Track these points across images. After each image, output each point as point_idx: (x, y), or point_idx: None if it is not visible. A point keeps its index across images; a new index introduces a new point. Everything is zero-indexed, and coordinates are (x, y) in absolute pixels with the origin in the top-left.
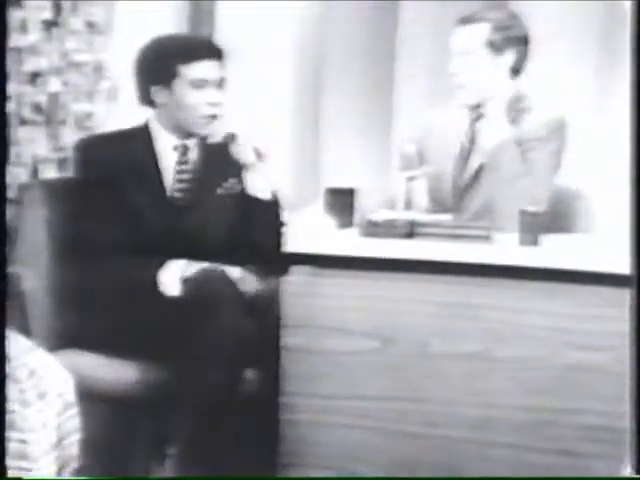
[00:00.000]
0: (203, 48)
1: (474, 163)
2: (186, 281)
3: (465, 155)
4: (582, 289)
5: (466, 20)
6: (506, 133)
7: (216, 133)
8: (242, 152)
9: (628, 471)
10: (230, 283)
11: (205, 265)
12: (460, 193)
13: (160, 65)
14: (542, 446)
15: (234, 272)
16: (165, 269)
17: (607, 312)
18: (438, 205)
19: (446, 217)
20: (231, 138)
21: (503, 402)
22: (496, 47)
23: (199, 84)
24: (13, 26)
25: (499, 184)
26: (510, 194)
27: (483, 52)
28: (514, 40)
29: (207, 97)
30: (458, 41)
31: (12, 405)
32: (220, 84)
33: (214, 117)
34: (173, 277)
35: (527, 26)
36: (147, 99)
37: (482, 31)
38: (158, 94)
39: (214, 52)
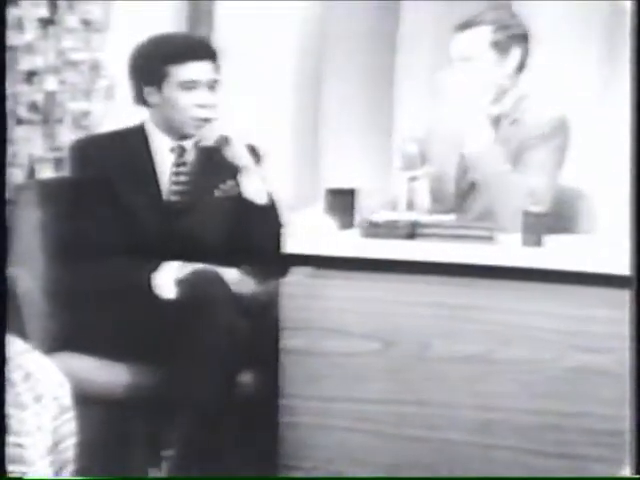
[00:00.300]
0: (193, 49)
1: None
2: (179, 283)
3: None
4: (586, 290)
5: (466, 25)
6: (489, 136)
7: (209, 136)
8: (237, 155)
9: (627, 471)
10: (222, 284)
11: (198, 266)
12: (462, 194)
13: (151, 66)
14: (544, 449)
15: (230, 273)
16: (159, 271)
17: (612, 314)
18: (440, 206)
19: (448, 218)
20: (225, 141)
21: (504, 405)
22: (502, 47)
23: (188, 85)
24: (9, 24)
25: (497, 184)
26: (512, 193)
27: (489, 54)
28: (517, 38)
29: (197, 99)
30: (460, 47)
31: (8, 408)
32: (212, 85)
33: (206, 120)
34: (167, 279)
35: (528, 24)
36: (142, 99)
37: (485, 33)
38: (151, 95)
39: (205, 53)
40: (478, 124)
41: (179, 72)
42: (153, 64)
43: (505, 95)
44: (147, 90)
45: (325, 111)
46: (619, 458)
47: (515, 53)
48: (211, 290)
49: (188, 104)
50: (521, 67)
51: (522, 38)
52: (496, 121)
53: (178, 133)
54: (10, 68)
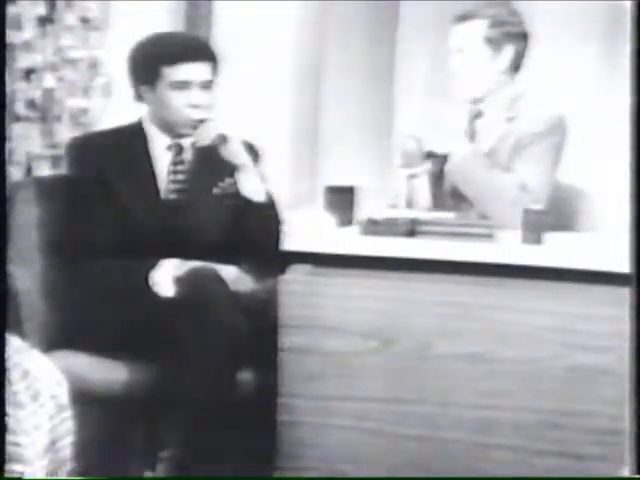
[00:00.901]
0: (187, 50)
1: None
2: (177, 281)
3: None
4: (586, 288)
5: (463, 17)
6: (467, 148)
7: (206, 135)
8: (234, 153)
9: (626, 471)
10: (221, 282)
11: (197, 264)
12: (460, 195)
13: (145, 66)
14: (544, 448)
15: (228, 271)
16: (158, 269)
17: (612, 312)
18: (440, 203)
19: (448, 215)
20: (222, 139)
21: (504, 404)
22: (495, 43)
23: (180, 86)
24: (7, 22)
25: (487, 191)
26: (505, 194)
27: (482, 49)
28: (512, 36)
29: (190, 99)
30: (456, 39)
31: (5, 407)
32: (206, 86)
33: (200, 120)
34: (166, 277)
35: (526, 22)
36: (139, 97)
37: (480, 28)
38: (146, 94)
39: (200, 54)
40: (454, 139)
41: (171, 73)
42: (147, 64)
43: (498, 92)
44: (143, 89)
45: (324, 109)
46: (619, 457)
47: (508, 51)
48: (209, 288)
49: (180, 104)
50: (515, 66)
51: (518, 37)
52: (490, 119)
53: (174, 132)
54: (8, 66)
